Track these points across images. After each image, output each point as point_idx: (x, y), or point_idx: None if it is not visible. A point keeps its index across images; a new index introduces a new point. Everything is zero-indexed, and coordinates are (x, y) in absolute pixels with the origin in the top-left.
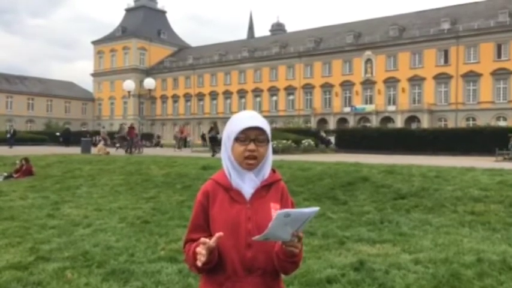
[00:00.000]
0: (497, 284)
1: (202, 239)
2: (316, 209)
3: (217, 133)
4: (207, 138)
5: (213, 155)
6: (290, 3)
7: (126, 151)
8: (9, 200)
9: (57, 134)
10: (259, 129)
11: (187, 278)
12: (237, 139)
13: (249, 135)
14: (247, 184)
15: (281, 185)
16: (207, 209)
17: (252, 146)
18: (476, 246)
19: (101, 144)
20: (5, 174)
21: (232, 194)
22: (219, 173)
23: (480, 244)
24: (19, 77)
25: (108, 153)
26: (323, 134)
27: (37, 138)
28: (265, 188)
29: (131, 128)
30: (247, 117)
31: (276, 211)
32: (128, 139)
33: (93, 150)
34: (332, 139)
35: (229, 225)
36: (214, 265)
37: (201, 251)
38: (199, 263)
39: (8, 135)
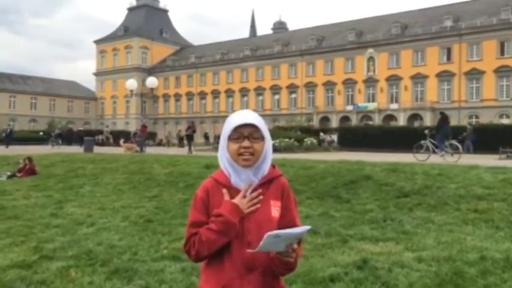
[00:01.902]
0: (501, 282)
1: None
2: (306, 227)
3: (194, 132)
4: (185, 136)
5: (189, 152)
6: (292, 2)
7: (141, 150)
8: (12, 199)
9: (41, 133)
10: (252, 126)
11: (190, 277)
12: (231, 138)
13: (243, 132)
14: (245, 183)
15: (281, 181)
16: (207, 206)
17: (246, 143)
18: (480, 244)
19: (128, 143)
20: (9, 173)
21: (232, 192)
22: (219, 171)
23: (483, 242)
24: (22, 77)
25: (137, 151)
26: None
27: (39, 137)
28: (265, 185)
29: (144, 126)
30: (240, 115)
31: (279, 208)
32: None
33: (120, 149)
34: (335, 138)
35: None
36: (218, 253)
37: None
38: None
39: (4, 135)
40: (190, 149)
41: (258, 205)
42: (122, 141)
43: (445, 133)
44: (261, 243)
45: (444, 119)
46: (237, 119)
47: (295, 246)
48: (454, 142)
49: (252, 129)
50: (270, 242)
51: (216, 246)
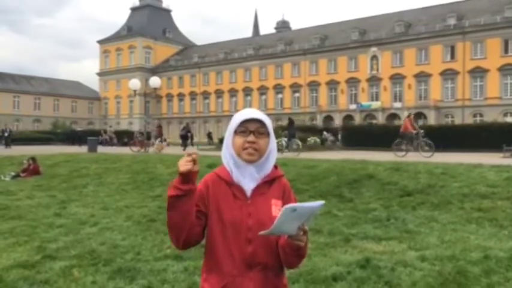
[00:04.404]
0: (504, 281)
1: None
2: (321, 202)
3: (188, 131)
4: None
5: (184, 150)
6: (295, 1)
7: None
8: (16, 199)
9: (4, 134)
10: (259, 122)
11: (192, 276)
12: (237, 132)
13: (249, 127)
14: (248, 180)
15: (283, 182)
16: (204, 198)
17: (251, 138)
18: (483, 243)
19: (157, 142)
20: (13, 173)
21: (234, 189)
22: (221, 167)
23: (487, 241)
24: (26, 77)
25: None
26: (325, 133)
27: (43, 137)
28: (267, 184)
29: (159, 126)
30: (247, 111)
31: (280, 208)
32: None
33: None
34: (338, 136)
35: (230, 221)
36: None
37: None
38: (183, 168)
39: (6, 134)
40: (184, 148)
41: (195, 165)
42: (158, 140)
43: (291, 134)
44: (277, 219)
45: (291, 124)
46: (243, 114)
47: (307, 227)
48: (297, 140)
49: (258, 124)
50: (286, 217)
51: (172, 222)
